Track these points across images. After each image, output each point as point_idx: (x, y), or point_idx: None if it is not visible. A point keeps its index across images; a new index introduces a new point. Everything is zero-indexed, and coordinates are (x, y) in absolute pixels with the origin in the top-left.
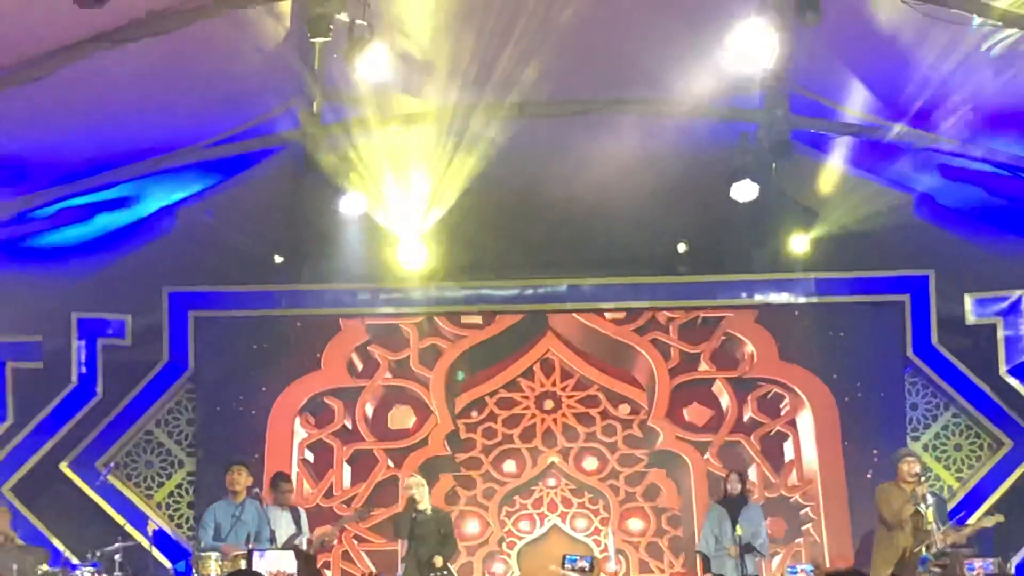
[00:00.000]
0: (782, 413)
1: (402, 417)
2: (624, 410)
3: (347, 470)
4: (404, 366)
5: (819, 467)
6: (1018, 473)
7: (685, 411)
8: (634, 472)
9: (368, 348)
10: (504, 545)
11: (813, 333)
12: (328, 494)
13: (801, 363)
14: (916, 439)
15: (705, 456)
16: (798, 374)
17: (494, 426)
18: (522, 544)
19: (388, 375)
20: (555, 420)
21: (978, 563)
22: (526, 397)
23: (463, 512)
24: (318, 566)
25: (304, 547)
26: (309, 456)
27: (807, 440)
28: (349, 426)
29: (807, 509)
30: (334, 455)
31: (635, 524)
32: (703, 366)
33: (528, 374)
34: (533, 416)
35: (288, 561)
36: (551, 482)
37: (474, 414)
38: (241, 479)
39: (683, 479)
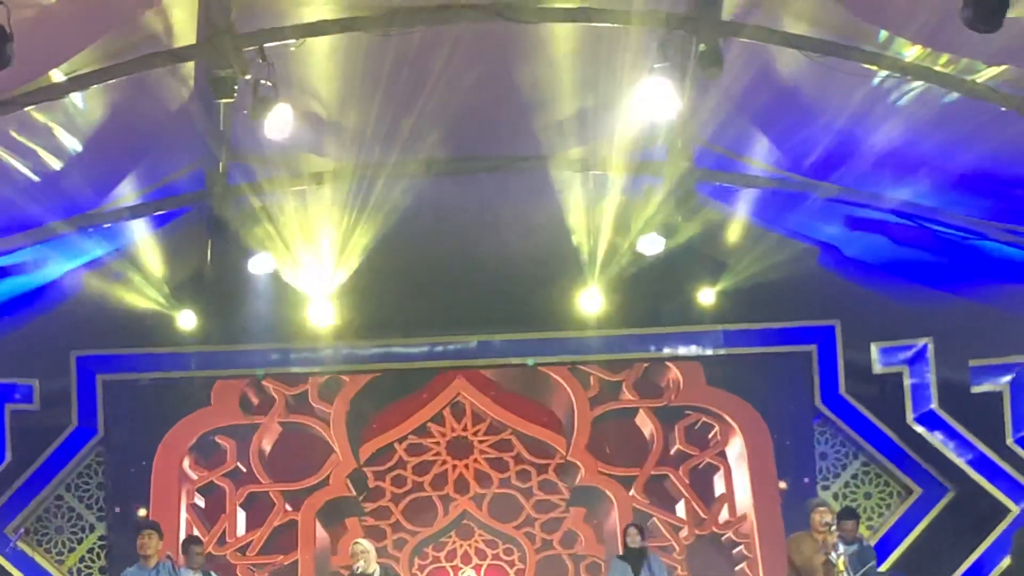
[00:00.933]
0: (711, 444)
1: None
2: (539, 453)
3: (241, 515)
4: (302, 400)
5: (753, 502)
6: (927, 520)
7: (606, 444)
8: (551, 518)
9: (263, 383)
10: None
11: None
12: (221, 541)
13: (730, 389)
14: (826, 488)
15: (630, 492)
16: (728, 400)
17: (404, 473)
18: None
19: (285, 411)
20: (467, 466)
21: None
22: (437, 443)
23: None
24: None
25: None
26: (199, 501)
27: (739, 473)
28: (243, 468)
29: (741, 547)
30: (226, 499)
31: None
32: (625, 395)
33: (438, 419)
34: (444, 463)
35: None
36: (464, 534)
37: (382, 461)
38: (152, 543)
39: (606, 518)
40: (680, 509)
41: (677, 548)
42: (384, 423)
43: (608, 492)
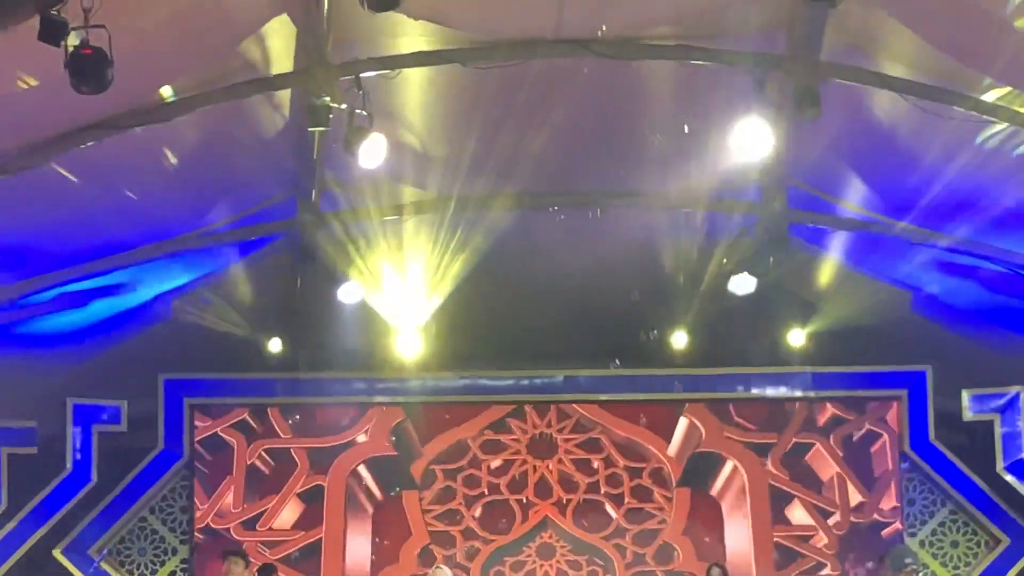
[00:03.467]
0: (868, 410)
1: None
2: (632, 455)
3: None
4: (451, 561)
5: None
6: (1016, 570)
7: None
8: (644, 529)
9: (429, 547)
10: None
11: None
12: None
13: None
14: (913, 535)
15: (765, 463)
16: None
17: (478, 473)
18: None
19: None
20: (550, 468)
21: None
22: (516, 440)
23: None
24: None
25: None
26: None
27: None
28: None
29: None
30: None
31: None
32: (648, 561)
33: (519, 414)
34: (525, 463)
35: None
36: (546, 553)
37: (454, 458)
38: (237, 571)
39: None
40: (830, 489)
41: (826, 539)
42: (458, 415)
43: (734, 461)
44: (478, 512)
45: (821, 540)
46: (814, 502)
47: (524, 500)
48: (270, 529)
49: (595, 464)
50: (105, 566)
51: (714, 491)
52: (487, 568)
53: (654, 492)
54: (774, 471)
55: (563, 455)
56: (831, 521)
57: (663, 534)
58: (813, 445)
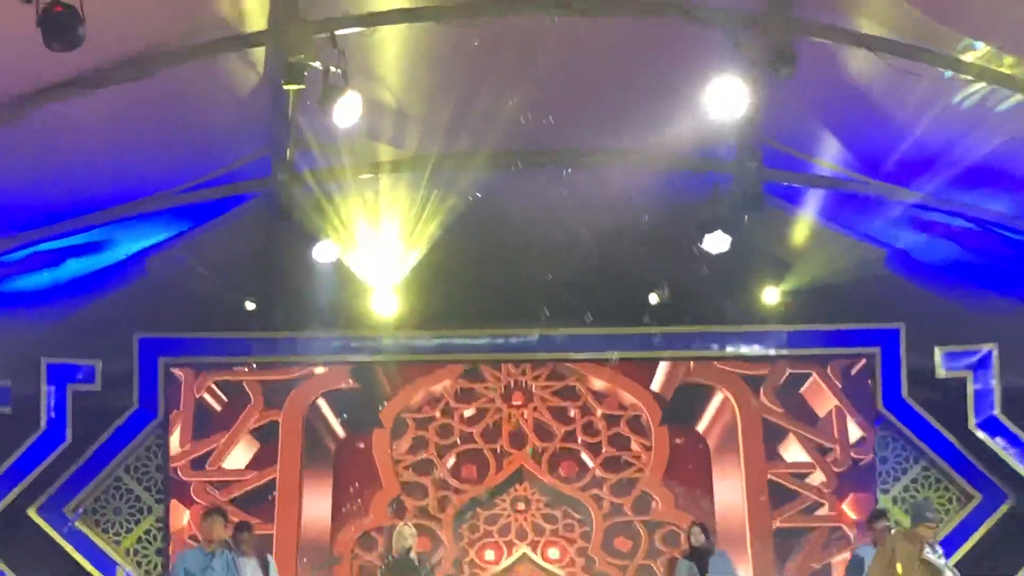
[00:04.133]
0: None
1: None
2: (610, 403)
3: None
4: (424, 512)
5: None
6: (986, 526)
7: (614, 542)
8: (622, 479)
9: (400, 497)
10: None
11: None
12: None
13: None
14: (886, 491)
15: (760, 396)
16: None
17: (451, 422)
18: None
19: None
20: (525, 416)
21: None
22: (490, 388)
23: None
24: None
25: None
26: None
27: None
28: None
29: None
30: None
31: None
32: (626, 511)
33: (493, 362)
34: (499, 412)
35: None
36: (520, 506)
37: (425, 407)
38: (217, 528)
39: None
40: (827, 423)
41: (823, 477)
42: (432, 373)
43: (725, 393)
44: (451, 462)
45: (818, 478)
46: (811, 437)
47: (498, 450)
48: (220, 469)
49: (571, 412)
50: (80, 525)
51: (701, 427)
52: (460, 520)
53: (632, 440)
54: (767, 404)
55: (539, 403)
56: (829, 458)
57: (641, 483)
58: (809, 376)
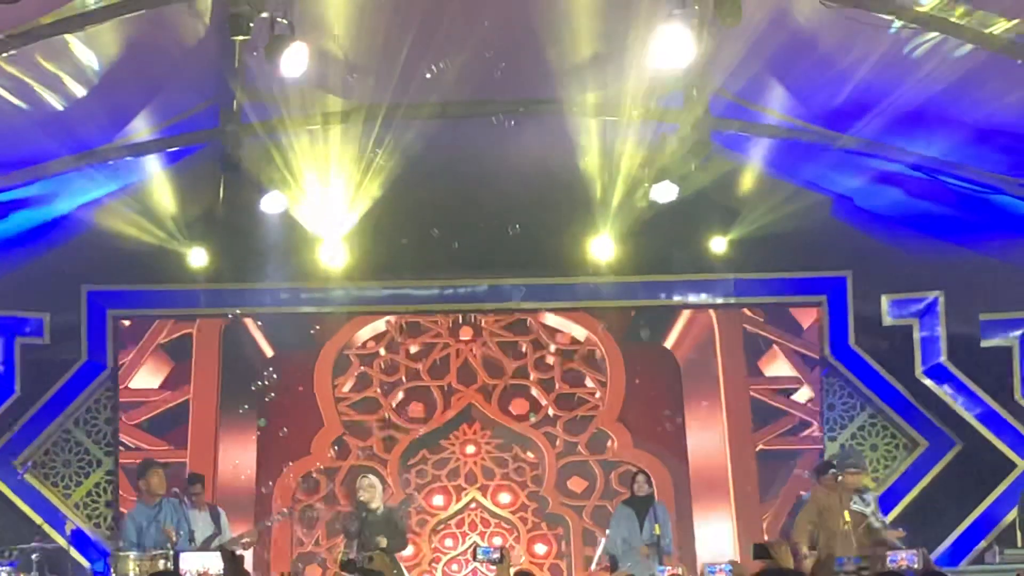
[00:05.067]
0: None
1: None
2: (563, 337)
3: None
4: (369, 452)
5: None
6: (933, 473)
7: (568, 483)
8: (575, 416)
9: (343, 438)
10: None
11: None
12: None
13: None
14: (833, 439)
15: (581, 516)
16: (646, 459)
17: (396, 358)
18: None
19: (359, 455)
20: (473, 352)
21: (901, 555)
22: (437, 323)
23: (352, 468)
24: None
25: (229, 547)
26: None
27: None
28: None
29: None
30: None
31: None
32: (580, 450)
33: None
34: (447, 346)
35: (214, 562)
36: (469, 449)
37: (369, 342)
38: (153, 482)
39: (565, 534)
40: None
41: (811, 393)
42: (418, 444)
43: (566, 516)
44: (396, 400)
45: (804, 395)
46: (795, 349)
47: (446, 387)
48: (127, 388)
49: (523, 347)
50: (29, 478)
51: (669, 342)
52: (406, 460)
53: (587, 376)
54: (748, 313)
55: (488, 338)
56: (816, 372)
57: (596, 421)
58: None
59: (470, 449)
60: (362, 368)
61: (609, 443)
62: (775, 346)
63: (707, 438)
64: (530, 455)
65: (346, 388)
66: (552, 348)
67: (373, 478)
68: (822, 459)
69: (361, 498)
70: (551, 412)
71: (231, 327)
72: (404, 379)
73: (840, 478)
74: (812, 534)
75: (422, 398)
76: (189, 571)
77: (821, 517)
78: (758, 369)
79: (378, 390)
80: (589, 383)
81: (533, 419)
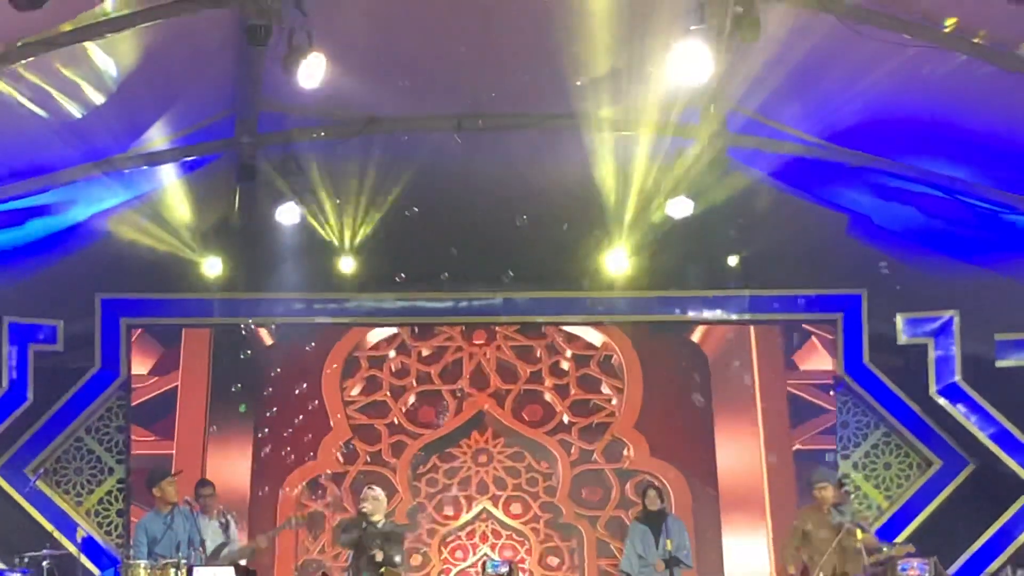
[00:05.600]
0: None
1: None
2: (578, 343)
3: None
4: (377, 458)
5: None
6: (947, 492)
7: (582, 492)
8: (591, 423)
9: (351, 442)
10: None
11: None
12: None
13: (669, 461)
14: (846, 457)
15: (595, 527)
16: (664, 469)
17: (407, 362)
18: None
19: (367, 460)
20: (487, 356)
21: (913, 563)
22: (464, 452)
23: (360, 473)
24: None
25: (238, 557)
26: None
27: None
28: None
29: None
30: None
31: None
32: (595, 459)
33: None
34: (459, 350)
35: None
36: (481, 457)
37: (380, 345)
38: (171, 491)
39: (579, 546)
40: None
41: None
42: (428, 450)
43: (579, 527)
44: (407, 404)
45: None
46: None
47: (458, 391)
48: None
49: (537, 352)
50: (41, 485)
51: (696, 335)
52: (416, 470)
53: (603, 382)
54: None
55: (502, 342)
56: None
57: (612, 428)
58: None
59: (483, 458)
60: (372, 371)
61: (625, 451)
62: (813, 338)
63: (739, 439)
64: (544, 464)
65: (355, 391)
66: (568, 353)
67: (379, 491)
68: (815, 471)
69: (364, 509)
70: (566, 419)
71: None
72: (415, 383)
73: (815, 494)
74: (799, 558)
75: (433, 403)
76: None
77: (807, 538)
78: (793, 363)
79: (388, 393)
80: (605, 389)
81: (546, 426)
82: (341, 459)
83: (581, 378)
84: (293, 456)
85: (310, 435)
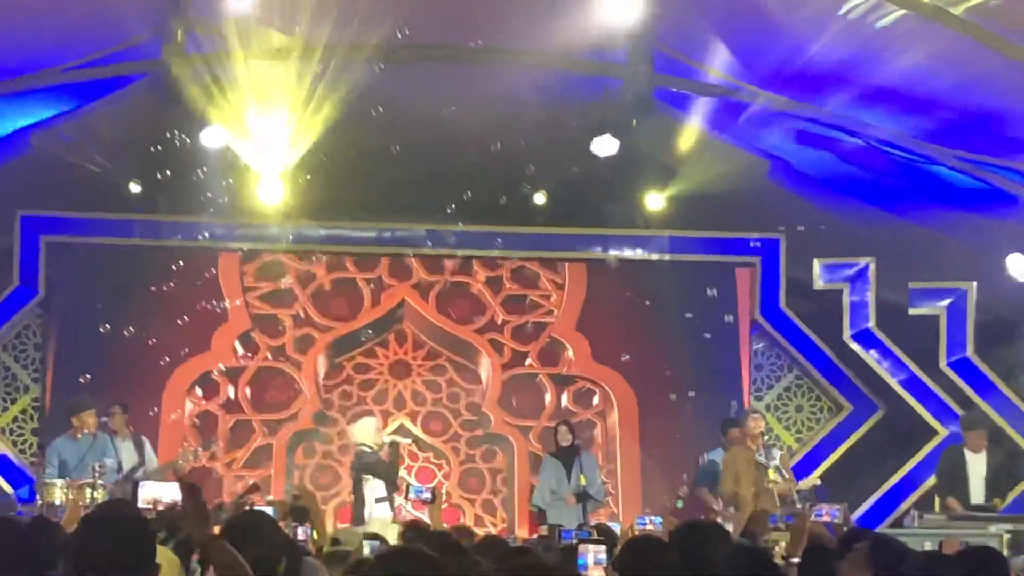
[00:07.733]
0: (593, 404)
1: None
2: (469, 379)
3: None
4: (280, 351)
5: (619, 457)
6: (856, 436)
7: (513, 399)
8: (474, 436)
9: (250, 334)
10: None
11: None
12: (211, 457)
13: (611, 365)
14: (759, 399)
15: (528, 439)
16: (606, 374)
17: (350, 389)
18: None
19: (268, 356)
20: (405, 386)
21: (825, 508)
22: (381, 364)
23: (319, 465)
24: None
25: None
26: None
27: (612, 428)
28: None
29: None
30: (218, 424)
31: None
32: (530, 362)
33: (384, 344)
34: (387, 382)
35: (169, 491)
36: (399, 369)
37: (334, 376)
38: (91, 421)
39: (509, 457)
40: None
41: None
42: (339, 347)
43: (510, 437)
44: (317, 294)
45: None
46: None
47: (375, 280)
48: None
49: (440, 383)
50: None
51: None
52: (326, 375)
53: (541, 276)
54: None
55: (416, 377)
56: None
57: (550, 328)
58: None
59: (400, 370)
60: (277, 256)
61: (564, 354)
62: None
63: None
64: (468, 374)
65: (255, 275)
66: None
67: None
68: (728, 416)
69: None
70: (498, 316)
71: None
72: (327, 270)
73: (744, 429)
74: (729, 494)
75: (346, 293)
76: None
77: (738, 476)
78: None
79: (337, 412)
80: (544, 283)
81: (475, 323)
82: (242, 350)
83: (516, 271)
84: (185, 348)
85: (199, 317)
